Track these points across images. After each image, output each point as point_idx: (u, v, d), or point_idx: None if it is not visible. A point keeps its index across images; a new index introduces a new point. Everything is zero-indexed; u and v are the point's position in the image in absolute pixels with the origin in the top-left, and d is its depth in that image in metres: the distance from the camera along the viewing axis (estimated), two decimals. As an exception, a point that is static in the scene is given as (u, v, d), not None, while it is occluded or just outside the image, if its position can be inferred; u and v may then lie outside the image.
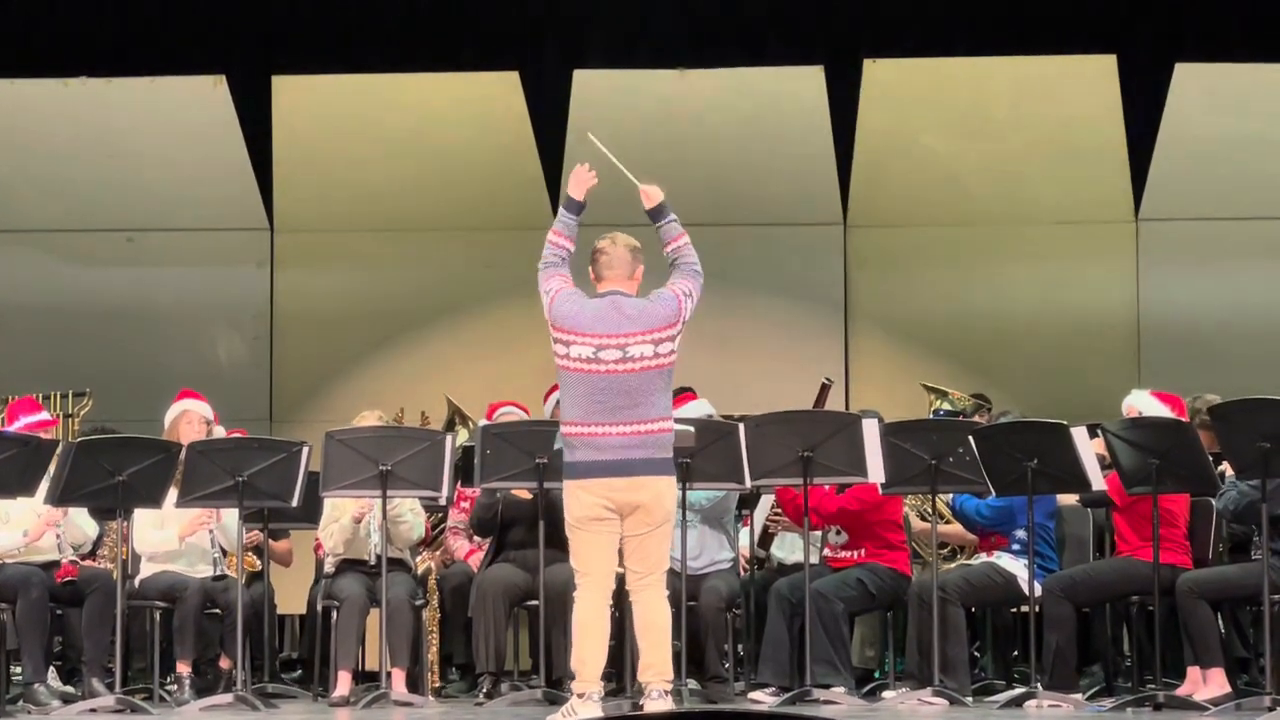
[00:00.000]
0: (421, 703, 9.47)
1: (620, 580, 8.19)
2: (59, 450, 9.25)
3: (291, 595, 11.07)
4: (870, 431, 9.27)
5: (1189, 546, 9.38)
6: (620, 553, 8.02)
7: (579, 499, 7.90)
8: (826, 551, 9.93)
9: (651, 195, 8.32)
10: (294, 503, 9.41)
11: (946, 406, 11.42)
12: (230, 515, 9.64)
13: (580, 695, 7.89)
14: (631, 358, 7.92)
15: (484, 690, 9.68)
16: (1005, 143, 13.09)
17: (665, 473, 7.95)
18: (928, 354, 13.06)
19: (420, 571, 10.30)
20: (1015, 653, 10.25)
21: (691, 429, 8.67)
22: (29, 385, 11.88)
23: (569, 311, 8.06)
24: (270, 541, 10.05)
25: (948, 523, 10.07)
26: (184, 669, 9.68)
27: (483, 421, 10.11)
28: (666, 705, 7.83)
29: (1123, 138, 12.83)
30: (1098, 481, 9.12)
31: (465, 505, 10.41)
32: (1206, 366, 12.33)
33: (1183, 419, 9.20)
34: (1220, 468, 9.07)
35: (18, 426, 9.59)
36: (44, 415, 10.00)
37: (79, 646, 9.73)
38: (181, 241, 13.33)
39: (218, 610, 9.82)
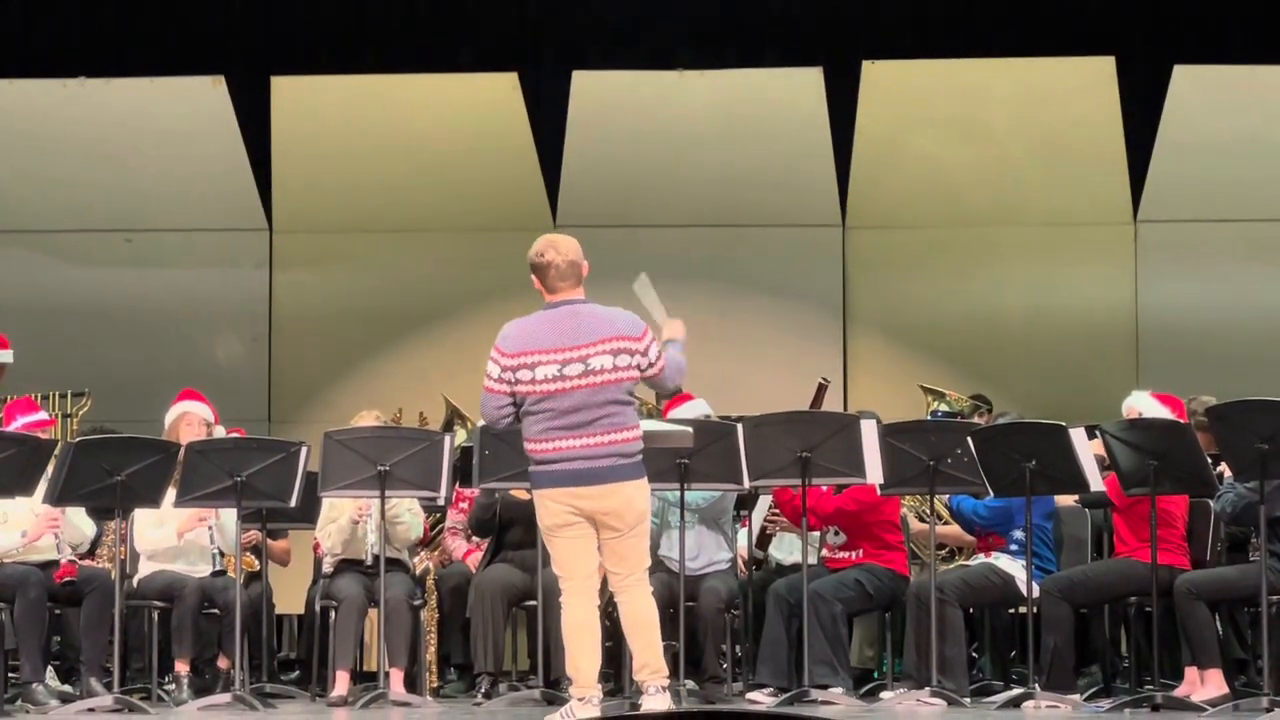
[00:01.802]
0: (419, 703, 9.47)
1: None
2: (58, 450, 9.25)
3: (290, 595, 11.07)
4: (869, 432, 9.26)
5: (1187, 548, 9.38)
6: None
7: (547, 507, 7.84)
8: (825, 552, 9.93)
9: (672, 329, 8.10)
10: (292, 503, 9.40)
11: (944, 408, 11.42)
12: (228, 514, 9.64)
13: (580, 700, 7.87)
14: (593, 370, 7.77)
15: (482, 690, 9.68)
16: (1004, 145, 13.10)
17: (634, 477, 7.82)
18: (926, 355, 13.07)
19: (418, 571, 10.31)
20: (1013, 653, 10.25)
21: (689, 429, 8.66)
22: (28, 385, 11.88)
23: (523, 334, 7.90)
24: (269, 540, 10.05)
25: (946, 524, 10.08)
26: (182, 669, 9.67)
27: (481, 422, 10.11)
28: (664, 701, 7.81)
29: (1121, 140, 12.83)
30: (1096, 483, 9.12)
31: (464, 505, 10.41)
32: (1205, 368, 12.33)
33: (1181, 420, 9.21)
34: (1219, 469, 9.07)
35: (15, 426, 9.58)
36: (41, 415, 9.98)
37: (77, 646, 9.72)
38: (180, 242, 13.34)
39: (216, 610, 9.82)
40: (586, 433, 7.76)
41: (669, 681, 7.94)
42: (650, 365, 7.88)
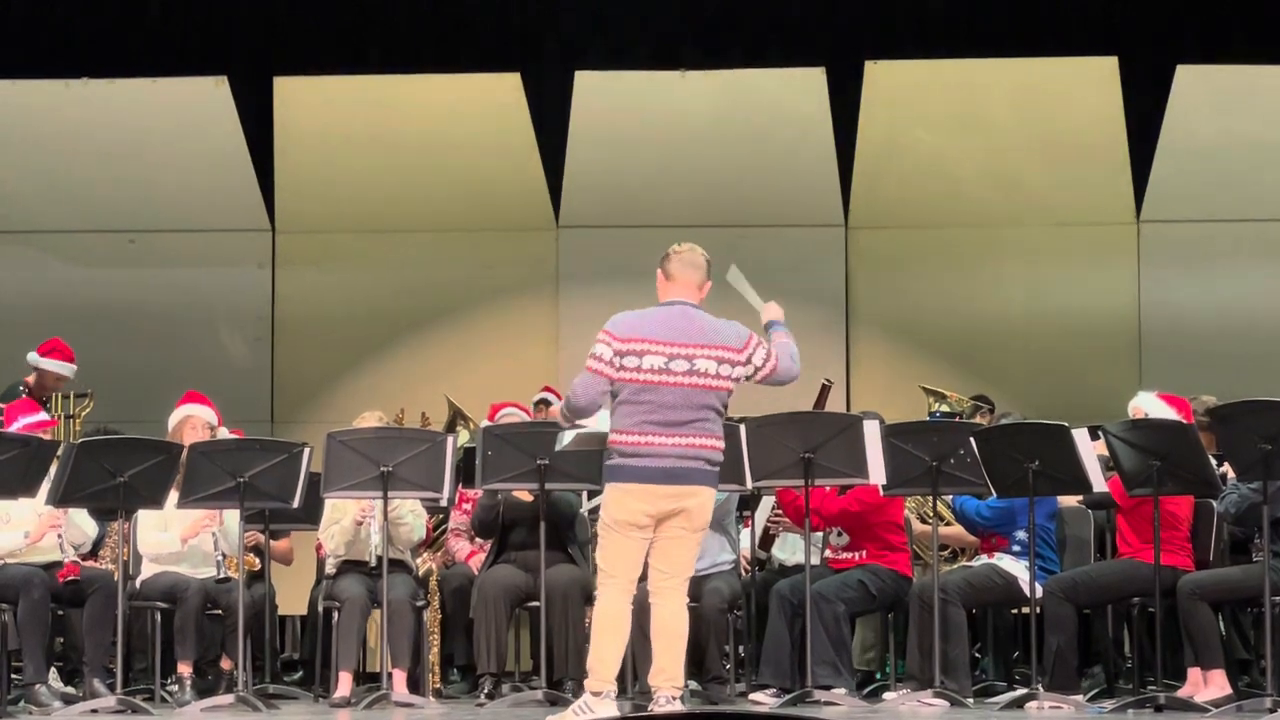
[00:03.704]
0: (422, 704, 9.46)
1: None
2: (60, 451, 9.24)
3: (292, 596, 11.07)
4: (871, 433, 9.26)
5: (1191, 549, 9.37)
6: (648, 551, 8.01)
7: (623, 504, 7.88)
8: (828, 553, 9.93)
9: (771, 311, 8.34)
10: (295, 504, 9.41)
11: (944, 408, 11.42)
12: (232, 517, 9.63)
13: (596, 694, 7.89)
14: (698, 371, 7.87)
15: (485, 691, 9.67)
16: (1007, 145, 13.10)
17: (712, 484, 7.96)
18: (929, 356, 13.07)
19: (421, 572, 10.31)
20: (1016, 654, 10.25)
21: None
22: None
23: (636, 323, 7.95)
24: (270, 541, 10.04)
25: (948, 524, 10.07)
26: (185, 670, 9.67)
27: (484, 422, 10.12)
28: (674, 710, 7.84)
29: (1124, 140, 12.83)
30: (1099, 483, 9.11)
31: (467, 506, 10.41)
32: (1207, 368, 12.33)
33: (1184, 421, 9.20)
34: (1222, 469, 9.06)
35: (16, 427, 9.57)
36: (42, 416, 9.98)
37: (80, 647, 9.72)
38: (183, 242, 13.35)
39: (219, 611, 9.82)
40: (680, 432, 7.84)
41: (681, 691, 7.96)
42: (759, 369, 8.02)
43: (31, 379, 11.79)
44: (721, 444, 7.97)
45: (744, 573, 10.06)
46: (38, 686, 9.26)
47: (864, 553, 9.79)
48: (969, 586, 9.49)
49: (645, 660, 8.34)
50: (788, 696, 9.28)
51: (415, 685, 9.69)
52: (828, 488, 9.67)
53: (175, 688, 9.73)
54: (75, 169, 13.17)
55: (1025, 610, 9.63)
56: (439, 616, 10.35)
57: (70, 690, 9.78)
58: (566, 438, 8.30)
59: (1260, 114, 12.81)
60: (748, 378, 8.02)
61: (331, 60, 13.34)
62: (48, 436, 9.68)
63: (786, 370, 8.11)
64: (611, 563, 7.93)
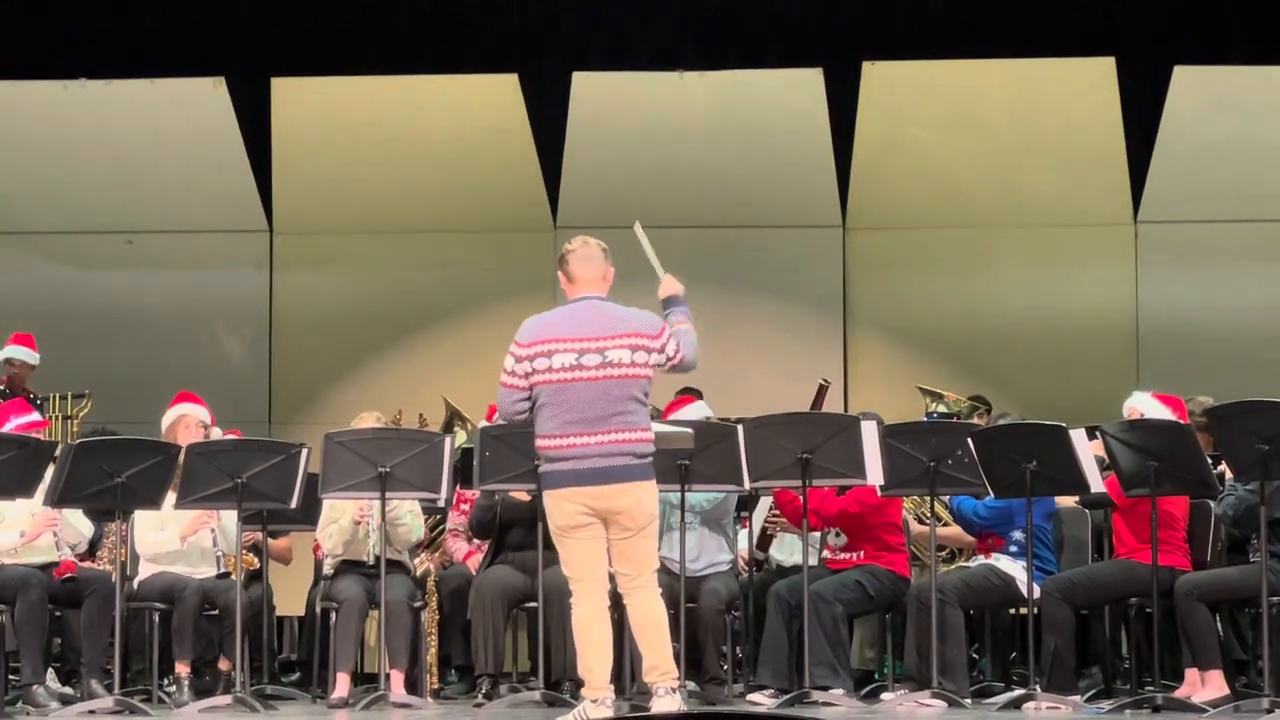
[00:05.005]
0: (420, 704, 9.46)
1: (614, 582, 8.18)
2: (58, 451, 9.24)
3: (290, 597, 11.06)
4: (869, 433, 9.26)
5: (1188, 549, 9.38)
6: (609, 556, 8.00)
7: (560, 508, 7.87)
8: (826, 553, 9.92)
9: (669, 286, 8.14)
10: (293, 504, 9.40)
11: (942, 409, 11.43)
12: (229, 516, 9.63)
13: (594, 701, 7.88)
14: (610, 362, 7.83)
15: (483, 692, 9.68)
16: (1004, 145, 13.10)
17: (645, 478, 7.87)
18: (927, 356, 13.08)
19: (419, 573, 10.31)
20: (1014, 655, 10.25)
21: (690, 430, 8.66)
22: (29, 386, 11.92)
23: (540, 326, 7.94)
24: (269, 540, 10.04)
25: (946, 525, 10.08)
26: (183, 670, 9.67)
27: (482, 423, 10.11)
28: (674, 703, 7.81)
29: (1122, 140, 12.83)
30: (1096, 483, 9.11)
31: (464, 507, 10.41)
32: (1205, 368, 12.34)
33: (1182, 421, 9.20)
34: (1219, 469, 9.06)
35: (9, 428, 9.56)
36: (35, 416, 9.97)
37: (78, 648, 9.72)
38: (181, 243, 13.35)
39: (216, 612, 9.82)
40: (601, 430, 7.80)
41: (678, 683, 7.95)
42: (670, 358, 7.95)
43: (5, 377, 11.81)
44: (648, 434, 7.87)
45: (742, 573, 10.06)
46: (35, 687, 9.25)
47: (862, 553, 9.79)
48: (966, 587, 9.49)
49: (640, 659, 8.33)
50: (786, 697, 9.28)
51: (413, 686, 9.69)
52: (825, 488, 9.66)
53: (173, 688, 9.73)
54: (73, 170, 13.17)
55: (1023, 611, 9.63)
56: (437, 617, 10.35)
57: (68, 691, 9.77)
58: None
59: (1258, 115, 12.82)
60: (658, 366, 7.96)
61: (329, 61, 13.34)
62: (41, 436, 9.67)
63: (687, 362, 8.01)
64: (574, 567, 7.92)
